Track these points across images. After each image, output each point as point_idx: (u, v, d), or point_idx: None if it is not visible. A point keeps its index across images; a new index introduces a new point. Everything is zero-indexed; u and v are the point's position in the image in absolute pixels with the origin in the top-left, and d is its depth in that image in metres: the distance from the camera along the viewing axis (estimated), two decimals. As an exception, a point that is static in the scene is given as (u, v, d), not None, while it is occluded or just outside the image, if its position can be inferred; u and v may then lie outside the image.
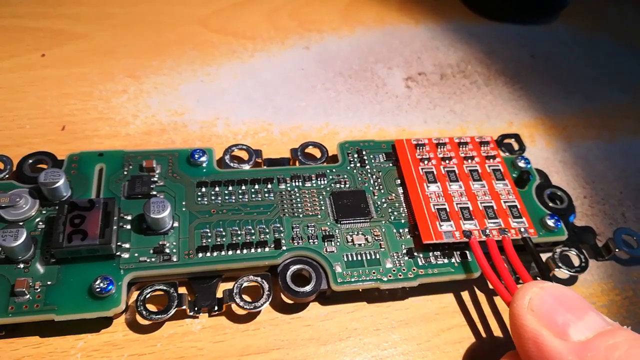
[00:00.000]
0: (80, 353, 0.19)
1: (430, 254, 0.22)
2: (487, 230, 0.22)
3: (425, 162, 0.25)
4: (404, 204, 0.23)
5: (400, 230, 0.22)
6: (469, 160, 0.25)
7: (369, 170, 0.25)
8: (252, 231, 0.21)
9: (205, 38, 0.33)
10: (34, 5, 0.32)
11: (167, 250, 0.20)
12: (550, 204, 0.25)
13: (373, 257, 0.21)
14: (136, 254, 0.20)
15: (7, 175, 0.22)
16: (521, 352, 0.17)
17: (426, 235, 0.22)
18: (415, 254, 0.22)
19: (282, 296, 0.21)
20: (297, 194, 0.23)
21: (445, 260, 0.22)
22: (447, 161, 0.25)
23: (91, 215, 0.20)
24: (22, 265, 0.19)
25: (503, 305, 0.22)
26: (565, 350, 0.16)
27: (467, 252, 0.22)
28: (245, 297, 0.20)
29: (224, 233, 0.21)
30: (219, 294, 0.20)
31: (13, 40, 0.30)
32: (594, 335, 0.16)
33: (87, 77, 0.29)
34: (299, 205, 0.23)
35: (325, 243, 0.22)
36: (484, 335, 0.21)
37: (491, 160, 0.25)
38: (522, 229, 0.22)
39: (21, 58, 0.29)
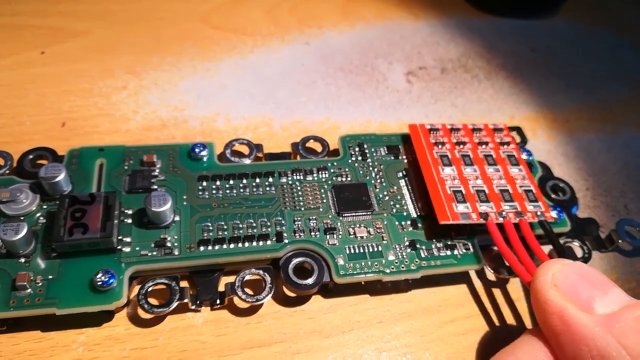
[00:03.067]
0: (82, 347, 0.19)
1: (433, 245, 0.22)
2: (504, 213, 0.22)
3: (440, 146, 0.25)
4: (406, 197, 0.23)
5: (403, 223, 0.22)
6: (483, 146, 0.25)
7: (370, 164, 0.25)
8: (254, 224, 0.21)
9: (205, 34, 0.33)
10: (33, 3, 0.32)
11: (169, 244, 0.20)
12: (553, 196, 0.25)
13: (375, 249, 0.21)
14: (137, 248, 0.20)
15: (7, 171, 0.22)
16: (545, 328, 0.17)
17: (442, 216, 0.21)
18: (418, 246, 0.22)
19: (285, 289, 0.21)
20: (299, 188, 0.23)
21: (448, 252, 0.22)
22: (461, 146, 0.25)
23: (92, 209, 0.20)
24: (23, 260, 0.19)
25: (507, 297, 0.22)
26: (592, 323, 0.15)
27: (471, 242, 0.22)
28: (247, 290, 0.20)
29: (225, 227, 0.21)
30: (221, 288, 0.20)
31: (13, 38, 0.30)
32: (619, 308, 0.16)
33: (87, 74, 0.29)
34: (301, 198, 0.23)
35: (327, 236, 0.21)
36: (487, 326, 0.21)
37: (505, 146, 0.25)
38: (539, 213, 0.22)
39: (21, 56, 0.29)
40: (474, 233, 0.22)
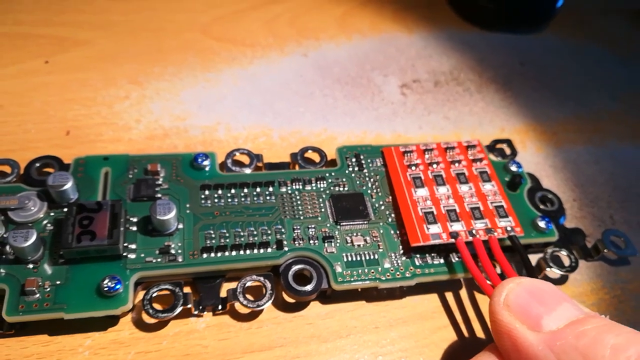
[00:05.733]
0: (88, 351, 0.19)
1: (427, 254, 0.23)
2: (474, 231, 0.23)
3: (413, 168, 0.25)
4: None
5: (398, 232, 0.23)
6: (456, 164, 0.26)
7: (366, 174, 0.25)
8: (255, 232, 0.22)
9: (206, 45, 0.33)
10: (37, 13, 0.33)
11: (173, 251, 0.21)
12: (542, 207, 0.26)
13: (372, 257, 0.22)
14: (142, 255, 0.21)
15: (14, 179, 0.23)
16: (499, 347, 0.18)
17: (413, 238, 0.22)
18: (412, 254, 0.22)
19: (284, 295, 0.22)
20: (298, 197, 0.24)
21: (442, 260, 0.23)
22: (434, 166, 0.25)
23: (99, 216, 0.20)
24: (31, 266, 0.20)
25: (497, 304, 0.23)
26: (536, 341, 0.16)
27: (454, 254, 0.23)
28: (248, 296, 0.21)
29: (227, 234, 0.22)
30: (223, 294, 0.21)
31: (17, 48, 0.31)
32: (565, 324, 0.16)
33: (90, 83, 0.29)
34: (300, 207, 0.23)
35: (326, 244, 0.22)
36: (480, 332, 0.22)
37: (478, 163, 0.26)
38: (509, 228, 0.23)
39: (25, 65, 0.30)
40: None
